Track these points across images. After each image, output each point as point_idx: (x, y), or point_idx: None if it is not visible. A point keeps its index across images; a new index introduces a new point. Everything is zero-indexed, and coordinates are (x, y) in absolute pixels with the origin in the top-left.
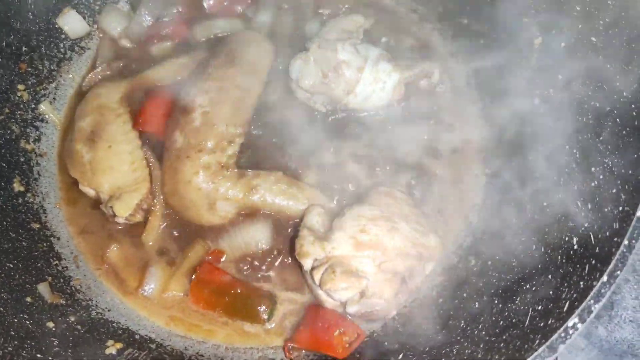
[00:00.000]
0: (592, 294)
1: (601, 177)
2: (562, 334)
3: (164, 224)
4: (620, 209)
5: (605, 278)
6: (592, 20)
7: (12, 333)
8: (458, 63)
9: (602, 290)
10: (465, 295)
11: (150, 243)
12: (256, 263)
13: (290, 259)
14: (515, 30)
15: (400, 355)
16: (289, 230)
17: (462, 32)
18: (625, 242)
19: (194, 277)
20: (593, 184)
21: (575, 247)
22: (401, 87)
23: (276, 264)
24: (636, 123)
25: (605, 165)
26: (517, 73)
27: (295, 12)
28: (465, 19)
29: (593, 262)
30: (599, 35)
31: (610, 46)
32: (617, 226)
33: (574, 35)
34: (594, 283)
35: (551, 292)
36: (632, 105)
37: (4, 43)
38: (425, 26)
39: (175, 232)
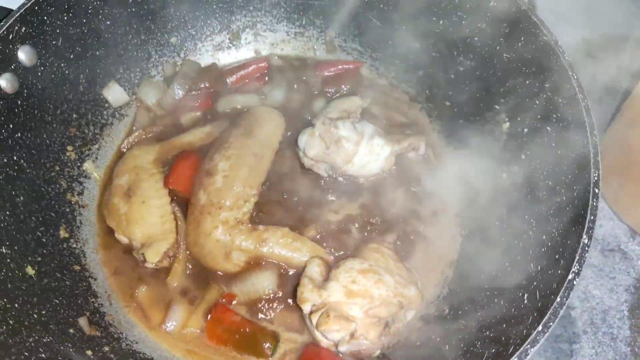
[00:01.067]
0: (529, 340)
1: (549, 244)
2: None
3: (187, 270)
4: (559, 272)
5: (540, 327)
6: (548, 113)
7: (60, 358)
8: (441, 139)
9: (537, 337)
10: (438, 339)
11: (174, 285)
12: (263, 306)
13: (292, 303)
14: (488, 115)
15: None
16: (292, 278)
17: (445, 113)
18: (558, 299)
19: (209, 316)
20: (543, 249)
21: (525, 301)
22: (392, 158)
23: (280, 307)
24: (577, 203)
25: (552, 234)
26: (489, 150)
27: (304, 90)
28: (447, 102)
29: (535, 314)
30: (553, 126)
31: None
32: (555, 286)
33: (533, 123)
34: (532, 331)
35: (503, 338)
36: (574, 187)
37: (59, 111)
38: (414, 106)
39: (195, 277)
